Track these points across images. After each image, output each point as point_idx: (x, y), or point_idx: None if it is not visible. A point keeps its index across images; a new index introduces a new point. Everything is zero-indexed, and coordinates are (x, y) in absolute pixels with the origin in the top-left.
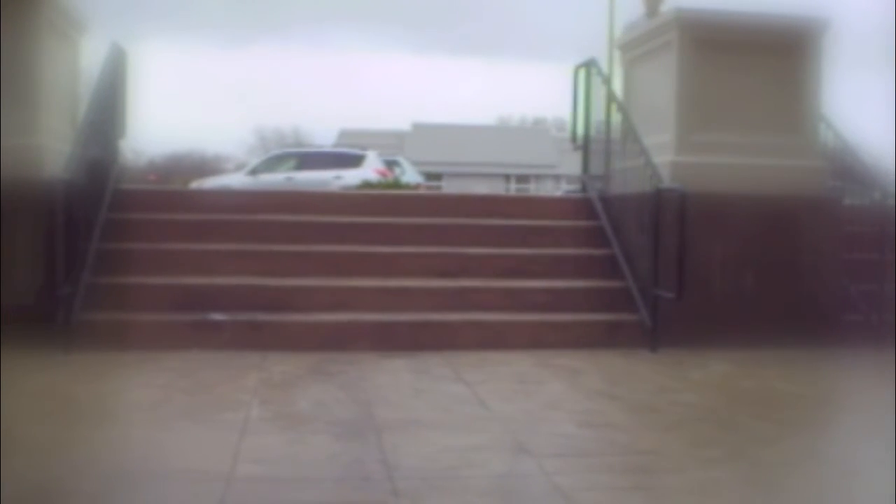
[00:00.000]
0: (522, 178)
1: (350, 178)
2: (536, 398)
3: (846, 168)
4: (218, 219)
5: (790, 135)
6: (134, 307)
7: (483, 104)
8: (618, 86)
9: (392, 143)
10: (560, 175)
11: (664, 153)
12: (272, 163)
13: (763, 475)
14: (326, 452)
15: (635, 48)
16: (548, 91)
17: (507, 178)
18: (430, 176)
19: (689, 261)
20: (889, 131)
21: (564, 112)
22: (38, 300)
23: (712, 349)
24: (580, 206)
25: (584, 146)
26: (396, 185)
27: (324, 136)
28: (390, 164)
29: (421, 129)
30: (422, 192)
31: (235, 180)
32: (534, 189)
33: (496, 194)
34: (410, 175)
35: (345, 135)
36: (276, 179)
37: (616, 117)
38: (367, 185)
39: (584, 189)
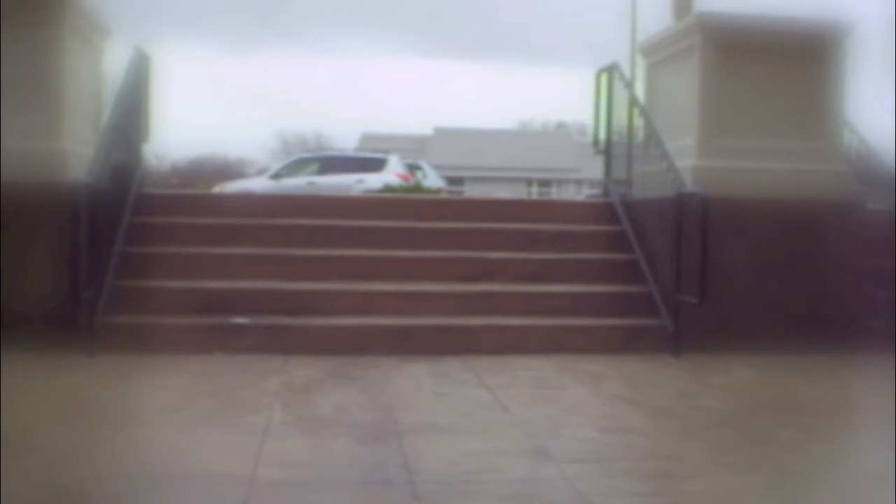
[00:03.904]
0: (544, 183)
1: (372, 182)
2: (558, 403)
3: (869, 172)
4: (240, 223)
5: (813, 139)
6: (156, 310)
7: (504, 108)
8: (640, 90)
9: (414, 148)
10: (582, 179)
11: (686, 157)
12: (294, 167)
13: (785, 482)
14: (348, 456)
15: (658, 52)
16: (569, 95)
17: (528, 182)
18: (452, 180)
19: (712, 266)
20: None
21: (586, 116)
22: (62, 303)
23: (735, 354)
24: (602, 210)
25: (606, 150)
26: (418, 189)
27: (346, 140)
28: (412, 169)
29: (443, 134)
30: (444, 196)
31: (258, 184)
32: (556, 193)
33: (518, 198)
34: (432, 179)
35: (366, 139)
36: (298, 183)
37: (638, 121)
38: (388, 189)
39: (606, 193)
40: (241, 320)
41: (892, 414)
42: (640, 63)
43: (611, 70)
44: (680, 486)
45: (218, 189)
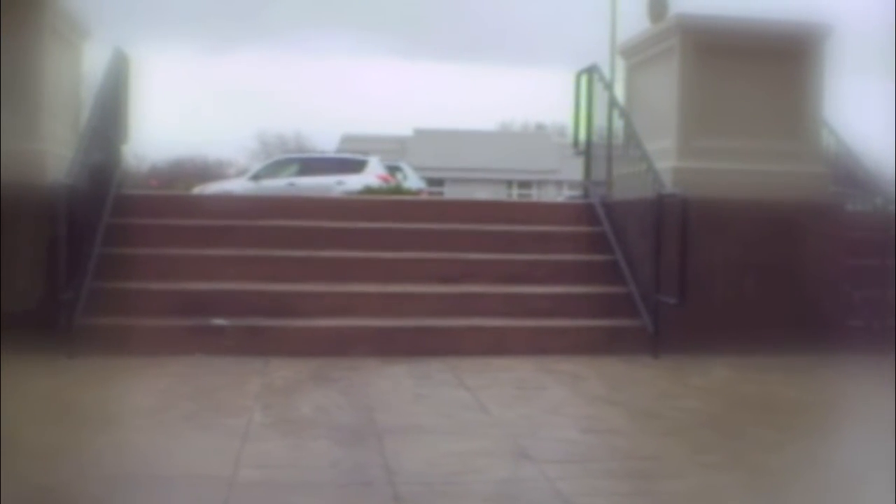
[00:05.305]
0: (524, 184)
1: (352, 183)
2: (538, 404)
3: (848, 173)
4: (220, 224)
5: (792, 140)
6: (136, 312)
7: (484, 110)
8: (620, 91)
9: (394, 149)
10: (562, 180)
11: (666, 159)
12: (274, 168)
13: (764, 481)
14: (328, 458)
15: (637, 54)
16: (549, 97)
17: (509, 183)
18: (432, 181)
19: (691, 266)
20: (891, 137)
21: (566, 117)
22: (41, 305)
23: (714, 355)
24: (582, 211)
25: (587, 152)
26: (398, 190)
27: (326, 142)
28: (392, 170)
29: (423, 135)
30: (424, 197)
31: (238, 185)
32: (536, 194)
33: (498, 200)
34: (412, 180)
35: (347, 140)
36: (278, 185)
37: (618, 123)
38: (369, 190)
39: (586, 194)
40: (221, 322)
41: (871, 413)
42: (620, 64)
43: (591, 71)
44: (661, 486)
45: (197, 190)
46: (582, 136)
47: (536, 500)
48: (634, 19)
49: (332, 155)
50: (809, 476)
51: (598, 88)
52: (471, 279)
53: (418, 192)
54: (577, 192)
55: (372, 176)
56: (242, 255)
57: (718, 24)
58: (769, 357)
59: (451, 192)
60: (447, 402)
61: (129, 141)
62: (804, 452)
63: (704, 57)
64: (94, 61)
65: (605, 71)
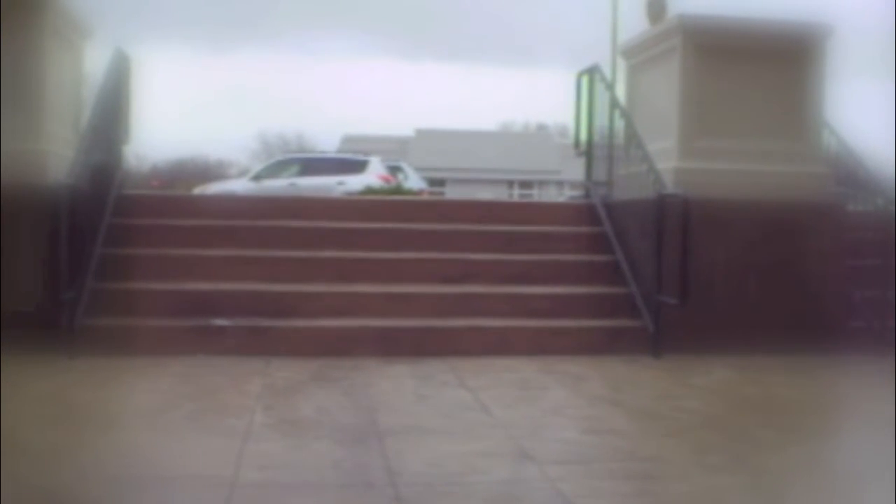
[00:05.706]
0: (526, 184)
1: (353, 183)
2: (540, 404)
3: (849, 174)
4: (221, 224)
5: (793, 141)
6: (138, 312)
7: (485, 110)
8: (621, 91)
9: (395, 149)
10: (563, 181)
11: (667, 159)
12: (275, 168)
13: (766, 482)
14: (330, 458)
15: (639, 54)
16: (551, 97)
17: (510, 183)
18: (434, 181)
19: (693, 267)
20: (892, 137)
21: (567, 118)
22: (42, 305)
23: (716, 355)
24: (583, 211)
25: (588, 152)
26: (399, 190)
27: (327, 142)
28: (393, 170)
29: (424, 135)
30: (425, 197)
31: (239, 186)
32: (537, 195)
33: (499, 200)
34: (413, 181)
35: (348, 140)
36: (279, 185)
37: (619, 123)
38: (370, 190)
39: (587, 195)
40: (222, 322)
41: (872, 414)
42: (621, 65)
43: (592, 72)
44: (662, 487)
45: (198, 191)
46: (583, 136)
47: (538, 500)
48: (635, 20)
49: (333, 155)
50: (811, 477)
51: (600, 89)
52: (472, 279)
53: (419, 193)
54: (578, 193)
55: (373, 176)
56: (244, 255)
57: (720, 25)
58: (770, 357)
59: (452, 193)
60: (449, 402)
61: (130, 141)
62: (806, 453)
63: (706, 57)
64: (95, 61)
65: (607, 71)
